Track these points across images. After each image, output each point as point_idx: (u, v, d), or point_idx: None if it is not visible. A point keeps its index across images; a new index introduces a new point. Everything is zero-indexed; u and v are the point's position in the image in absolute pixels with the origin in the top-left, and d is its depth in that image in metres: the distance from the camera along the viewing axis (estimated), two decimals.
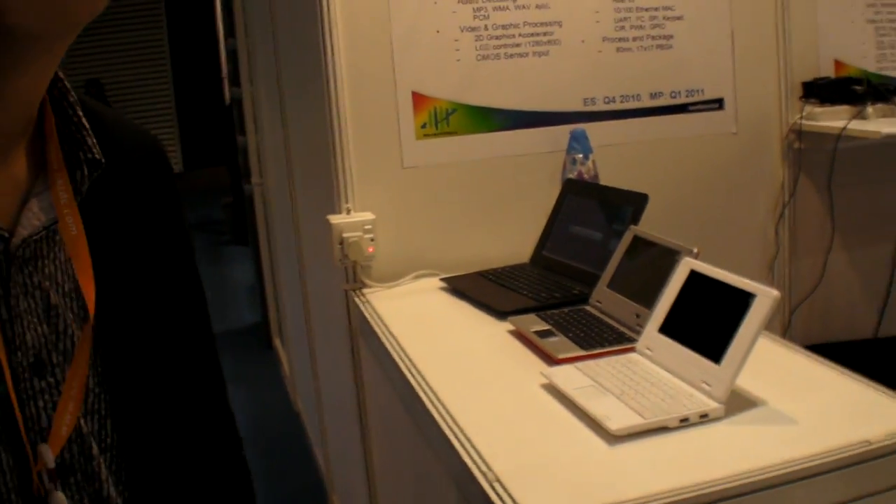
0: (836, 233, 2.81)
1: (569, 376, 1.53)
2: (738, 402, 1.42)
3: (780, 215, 2.76)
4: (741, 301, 1.43)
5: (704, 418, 1.37)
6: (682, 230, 1.85)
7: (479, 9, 2.36)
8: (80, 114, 0.86)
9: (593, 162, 2.35)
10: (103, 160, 0.85)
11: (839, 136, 2.59)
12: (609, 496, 1.20)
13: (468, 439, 1.38)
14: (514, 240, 2.39)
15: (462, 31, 2.36)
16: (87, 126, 0.85)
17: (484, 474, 1.27)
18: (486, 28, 2.37)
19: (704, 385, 1.42)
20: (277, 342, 5.75)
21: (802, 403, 1.44)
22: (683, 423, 1.35)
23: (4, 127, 0.77)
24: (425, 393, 1.59)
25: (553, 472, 1.29)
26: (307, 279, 3.56)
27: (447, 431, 1.43)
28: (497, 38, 2.38)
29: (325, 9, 2.23)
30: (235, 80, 5.98)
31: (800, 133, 2.71)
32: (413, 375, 1.68)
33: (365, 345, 2.25)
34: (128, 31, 13.62)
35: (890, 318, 2.84)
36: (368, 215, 2.30)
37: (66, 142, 0.84)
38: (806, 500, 1.25)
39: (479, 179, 2.44)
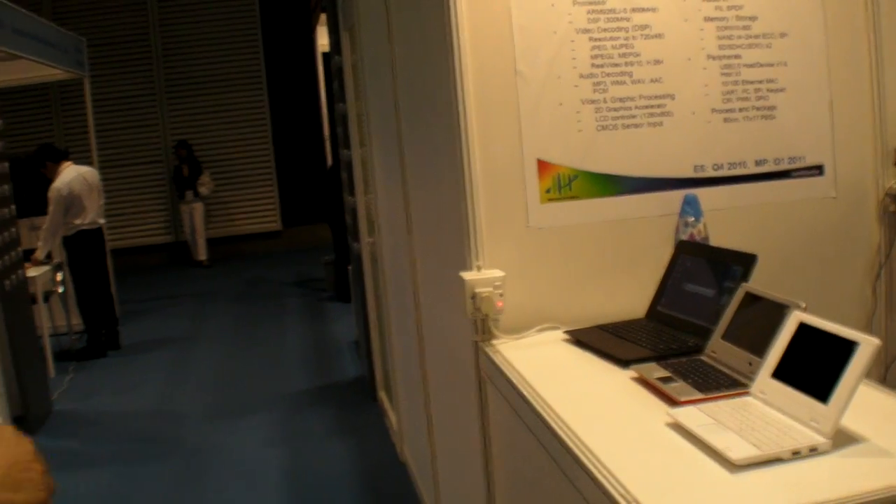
0: None
1: (691, 415, 1.73)
2: (842, 439, 1.60)
3: (877, 274, 2.91)
4: (845, 348, 1.62)
5: (814, 451, 1.56)
6: (786, 287, 2.01)
7: (598, 83, 2.58)
8: None
9: (704, 225, 2.55)
10: None
11: None
12: None
13: (606, 468, 1.58)
14: (629, 296, 2.58)
15: (583, 103, 2.58)
16: None
17: (624, 497, 1.48)
18: (604, 101, 2.59)
19: (813, 423, 1.60)
20: (382, 395, 5.97)
21: None
22: (796, 456, 1.54)
23: None
24: (563, 431, 1.79)
25: (683, 495, 1.49)
26: (424, 333, 3.77)
27: (587, 463, 1.63)
28: (615, 109, 2.60)
29: (458, 85, 2.47)
30: (346, 143, 6.23)
31: (895, 197, 2.86)
32: (550, 417, 1.88)
33: (494, 392, 2.45)
34: (230, 93, 14.33)
35: None
36: (498, 272, 2.50)
37: None
38: None
39: (598, 240, 2.63)
